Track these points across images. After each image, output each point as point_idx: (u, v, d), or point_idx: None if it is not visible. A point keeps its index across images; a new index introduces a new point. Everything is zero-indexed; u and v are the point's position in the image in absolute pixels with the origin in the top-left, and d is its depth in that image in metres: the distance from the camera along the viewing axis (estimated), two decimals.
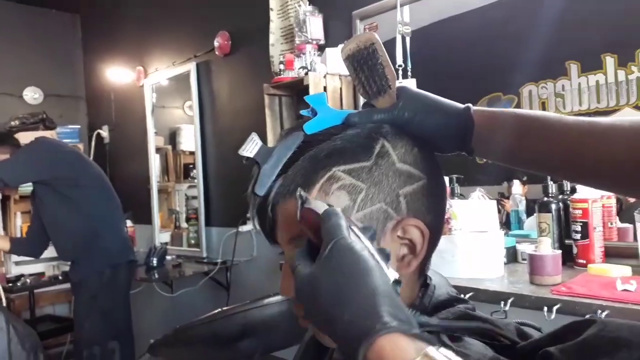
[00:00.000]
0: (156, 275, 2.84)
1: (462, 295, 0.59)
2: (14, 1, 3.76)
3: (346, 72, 2.11)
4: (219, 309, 1.54)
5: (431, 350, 0.36)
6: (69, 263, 2.46)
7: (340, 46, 2.29)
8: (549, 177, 1.55)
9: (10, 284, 2.88)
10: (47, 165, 2.27)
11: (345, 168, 0.52)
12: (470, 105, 0.56)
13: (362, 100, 2.21)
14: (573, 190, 1.54)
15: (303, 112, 0.56)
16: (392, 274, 0.42)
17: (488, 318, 0.53)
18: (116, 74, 3.63)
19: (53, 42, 3.99)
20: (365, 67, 0.56)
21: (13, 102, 3.73)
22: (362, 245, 0.43)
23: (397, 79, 0.57)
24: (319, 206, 0.46)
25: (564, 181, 1.56)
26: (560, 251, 1.35)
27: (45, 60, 3.91)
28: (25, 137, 2.68)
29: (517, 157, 0.56)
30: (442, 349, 0.36)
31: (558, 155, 0.52)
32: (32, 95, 3.85)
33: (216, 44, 2.80)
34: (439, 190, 0.57)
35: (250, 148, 0.54)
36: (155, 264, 2.89)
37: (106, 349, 2.30)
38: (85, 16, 4.11)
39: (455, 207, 1.50)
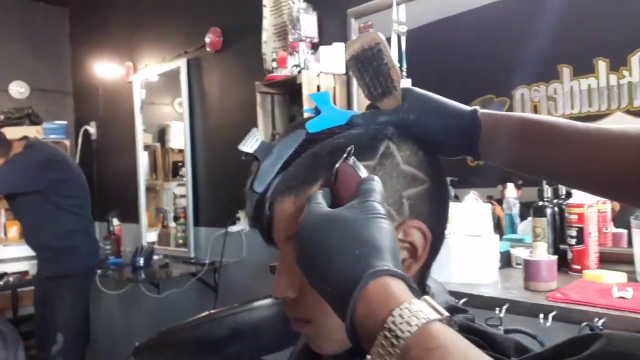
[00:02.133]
0: (143, 276, 2.79)
1: (458, 301, 0.58)
2: None
3: (340, 71, 2.11)
4: (206, 312, 1.51)
5: (429, 298, 0.37)
6: (40, 259, 2.61)
7: (335, 44, 2.23)
8: (544, 181, 1.53)
9: None
10: (39, 179, 2.41)
11: None
12: (477, 107, 0.54)
13: (356, 100, 2.16)
14: (568, 195, 1.53)
15: (306, 110, 0.54)
16: None
17: (487, 331, 0.51)
18: (104, 69, 3.55)
19: (40, 36, 3.90)
20: (369, 68, 0.54)
21: None
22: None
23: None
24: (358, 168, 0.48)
25: (559, 185, 1.54)
26: (555, 257, 1.33)
27: (31, 54, 3.83)
28: (11, 133, 2.63)
29: (525, 163, 0.55)
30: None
31: (570, 162, 0.51)
32: (17, 89, 3.77)
33: (207, 40, 2.76)
34: (442, 194, 0.56)
35: (251, 143, 0.52)
36: (141, 264, 2.83)
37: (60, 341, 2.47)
38: (74, 9, 4.03)
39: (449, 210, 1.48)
